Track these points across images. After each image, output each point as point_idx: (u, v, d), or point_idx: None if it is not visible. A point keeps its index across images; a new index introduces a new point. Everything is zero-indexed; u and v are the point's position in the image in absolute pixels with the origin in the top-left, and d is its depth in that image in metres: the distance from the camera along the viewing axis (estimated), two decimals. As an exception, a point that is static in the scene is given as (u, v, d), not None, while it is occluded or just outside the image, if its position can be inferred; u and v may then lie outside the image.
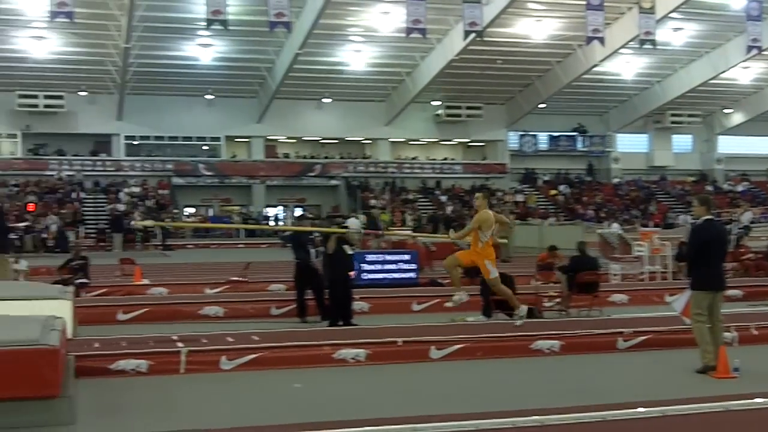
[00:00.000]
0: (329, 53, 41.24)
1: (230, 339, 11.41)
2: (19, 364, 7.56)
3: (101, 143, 46.58)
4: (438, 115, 49.53)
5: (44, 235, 35.87)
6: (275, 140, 49.33)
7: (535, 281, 18.11)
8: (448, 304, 12.96)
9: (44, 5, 30.68)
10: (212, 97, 45.74)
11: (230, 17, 31.17)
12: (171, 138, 46.64)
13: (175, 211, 44.27)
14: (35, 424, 7.61)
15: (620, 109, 52.16)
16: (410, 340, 11.34)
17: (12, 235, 34.07)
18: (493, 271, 12.60)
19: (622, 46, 39.42)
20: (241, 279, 19.50)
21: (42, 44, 38.28)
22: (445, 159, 52.42)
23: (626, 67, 45.09)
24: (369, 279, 18.32)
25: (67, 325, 9.99)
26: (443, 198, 48.16)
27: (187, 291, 18.26)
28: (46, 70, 41.02)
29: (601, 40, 35.84)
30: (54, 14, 29.18)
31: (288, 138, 49.20)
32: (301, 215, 21.24)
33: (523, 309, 12.58)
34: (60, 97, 43.50)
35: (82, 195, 43.79)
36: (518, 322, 12.40)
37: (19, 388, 7.54)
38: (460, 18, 35.12)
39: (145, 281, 19.21)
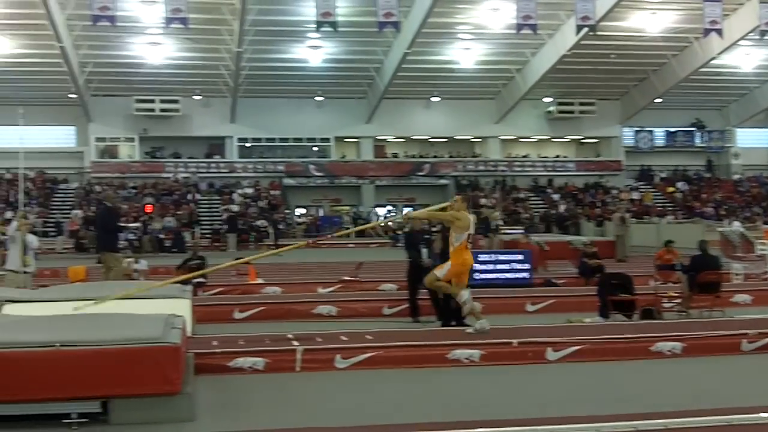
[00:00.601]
0: (438, 52, 41.08)
1: (344, 338, 11.37)
2: (142, 361, 7.70)
3: (215, 146, 47.66)
4: (549, 111, 48.81)
5: (161, 236, 36.85)
6: (384, 140, 49.52)
7: (654, 281, 17.52)
8: (469, 330, 11.89)
9: (159, 12, 31.47)
10: (322, 98, 46.20)
11: (339, 18, 31.36)
12: (282, 140, 47.41)
13: (287, 211, 44.90)
14: (156, 420, 7.72)
15: (740, 103, 50.31)
16: (526, 341, 11.05)
17: (130, 236, 35.25)
18: (441, 273, 12.12)
19: (742, 38, 38.01)
20: (353, 278, 19.53)
21: (158, 50, 39.36)
22: (557, 156, 51.58)
23: (746, 59, 43.42)
24: (481, 279, 18.03)
25: (186, 323, 10.11)
26: (555, 197, 47.40)
27: (300, 290, 18.39)
28: (162, 75, 42.20)
29: (719, 32, 34.62)
30: (169, 20, 29.89)
31: (397, 138, 49.31)
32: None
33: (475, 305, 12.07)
34: (175, 101, 44.80)
35: (197, 196, 44.83)
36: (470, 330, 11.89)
37: (141, 384, 7.68)
38: (571, 12, 34.47)
39: (260, 281, 19.44)
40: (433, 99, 47.17)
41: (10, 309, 10.55)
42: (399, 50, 38.64)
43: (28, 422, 7.59)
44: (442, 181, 48.54)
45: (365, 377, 10.00)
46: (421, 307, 14.57)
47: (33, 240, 15.08)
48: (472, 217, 12.00)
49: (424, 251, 14.30)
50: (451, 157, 49.67)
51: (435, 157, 49.51)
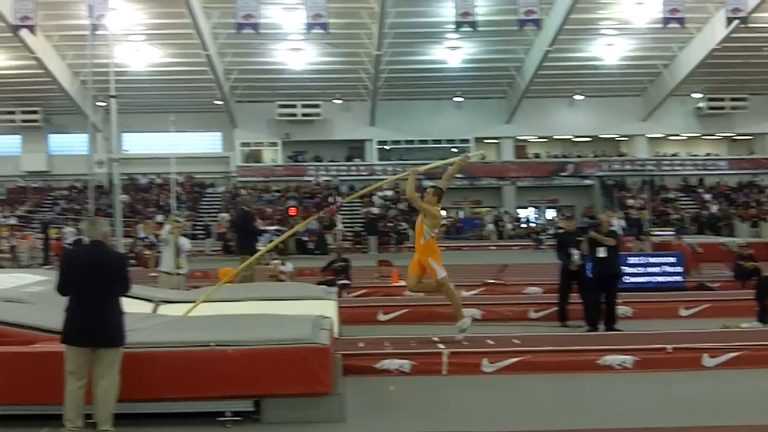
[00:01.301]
0: (580, 49, 40.24)
1: (490, 342, 11.18)
2: (293, 361, 7.79)
3: (355, 149, 48.17)
4: (699, 108, 46.94)
5: (304, 238, 37.43)
6: (525, 140, 48.82)
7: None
8: (458, 336, 11.21)
9: (301, 18, 32.00)
10: (461, 99, 46.00)
11: (479, 18, 31.12)
12: (421, 141, 47.38)
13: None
14: (307, 420, 7.80)
15: None
16: (681, 347, 10.56)
17: (275, 238, 35.93)
18: (439, 271, 11.37)
19: None
20: (497, 281, 19.24)
21: (299, 56, 40.13)
22: (708, 154, 49.51)
23: None
24: (632, 283, 17.43)
25: (333, 324, 10.15)
26: (707, 196, 45.54)
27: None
28: (303, 80, 42.95)
29: None
30: (310, 26, 30.37)
31: (538, 138, 48.55)
32: (569, 216, 20.58)
33: (466, 321, 11.26)
34: (316, 106, 45.53)
35: (339, 199, 45.30)
36: (459, 336, 11.14)
37: (292, 384, 7.78)
38: (721, 5, 33.11)
39: (403, 282, 19.38)
40: (576, 97, 46.21)
41: (165, 309, 10.86)
42: (540, 48, 38.03)
43: (184, 420, 7.78)
44: (587, 182, 47.45)
45: (512, 382, 9.83)
46: (571, 312, 14.19)
47: (185, 243, 15.48)
48: (443, 213, 11.56)
49: (576, 253, 13.90)
50: (595, 156, 48.45)
51: (578, 156, 48.43)
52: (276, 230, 37.43)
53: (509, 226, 44.60)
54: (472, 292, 18.41)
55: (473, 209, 48.13)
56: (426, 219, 11.17)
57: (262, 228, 31.85)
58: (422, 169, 11.94)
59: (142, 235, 33.08)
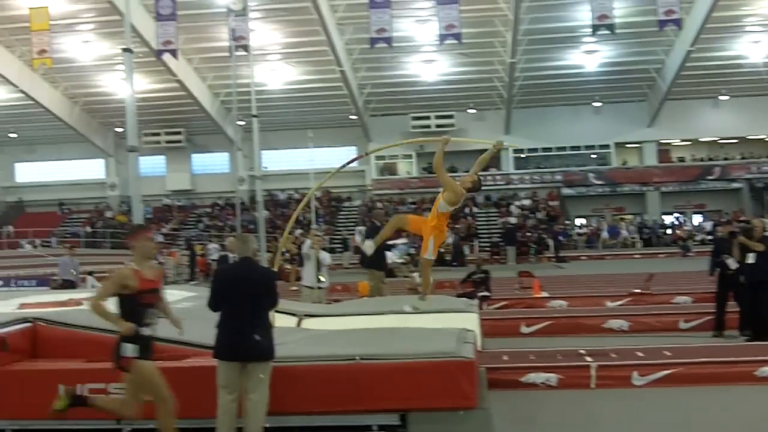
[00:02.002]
0: (724, 47, 38.71)
1: (640, 354, 10.75)
2: (438, 375, 7.66)
3: (490, 158, 47.58)
4: None
5: (441, 250, 37.33)
6: (668, 144, 47.28)
7: None
8: (406, 308, 10.54)
9: (433, 30, 31.99)
10: (599, 104, 45.01)
11: (616, 20, 30.29)
12: (559, 148, 46.59)
13: (567, 222, 44.00)
14: (454, 434, 7.66)
15: None
16: None
17: (411, 250, 35.97)
18: (430, 253, 10.45)
19: None
20: (643, 291, 18.57)
21: (432, 67, 40.19)
22: None
23: None
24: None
25: (476, 337, 9.97)
26: None
27: (587, 304, 17.73)
28: (436, 91, 42.99)
29: None
30: (443, 37, 30.25)
31: (682, 140, 46.93)
32: (726, 221, 19.68)
33: (423, 304, 10.27)
34: (450, 116, 45.46)
35: (475, 210, 45.09)
36: (407, 308, 10.34)
37: (438, 398, 7.65)
38: None
39: (545, 294, 18.99)
40: (721, 97, 44.44)
41: (308, 323, 10.93)
42: (681, 48, 36.78)
43: (331, 433, 7.78)
44: (735, 185, 45.50)
45: (665, 395, 9.44)
46: (728, 321, 13.55)
47: (326, 257, 15.62)
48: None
49: (730, 260, 13.25)
50: (743, 158, 46.40)
51: (725, 159, 46.49)
52: (408, 243, 37.65)
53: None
54: (618, 302, 17.83)
55: (615, 217, 46.86)
56: (445, 193, 10.36)
57: (392, 242, 32.12)
58: (454, 139, 11.28)
59: (282, 249, 33.69)
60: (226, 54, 28.41)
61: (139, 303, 6.95)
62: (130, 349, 6.89)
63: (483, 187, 43.50)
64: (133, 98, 8.09)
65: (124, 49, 8.09)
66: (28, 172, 51.10)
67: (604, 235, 43.26)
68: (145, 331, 6.99)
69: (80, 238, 42.48)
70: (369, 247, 10.58)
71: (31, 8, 31.58)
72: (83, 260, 24.31)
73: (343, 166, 11.39)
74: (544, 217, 43.18)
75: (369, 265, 16.20)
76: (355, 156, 10.31)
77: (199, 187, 49.46)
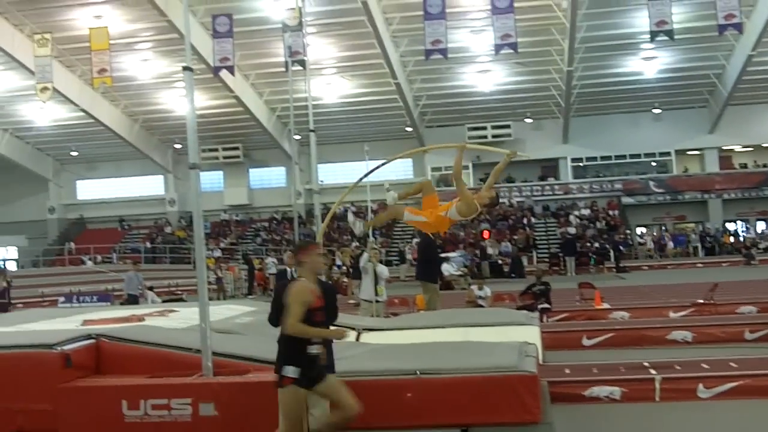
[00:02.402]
0: (787, 50, 37.84)
1: (705, 365, 10.49)
2: (500, 389, 7.57)
3: (548, 167, 47.39)
4: None
5: (499, 261, 37.10)
6: (731, 150, 46.33)
7: None
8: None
9: (489, 40, 31.87)
10: (659, 110, 44.37)
11: (675, 26, 29.81)
12: (618, 157, 45.96)
13: (627, 231, 43.37)
14: (518, 449, 7.56)
15: None
16: None
17: (468, 262, 35.89)
18: (408, 214, 10.52)
19: None
20: (707, 301, 18.19)
21: (487, 77, 40.04)
22: None
23: None
24: None
25: (538, 350, 9.86)
26: None
27: (649, 315, 17.41)
28: (492, 101, 42.82)
29: None
30: (498, 47, 30.06)
31: (744, 147, 45.96)
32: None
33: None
34: (507, 126, 45.23)
35: (533, 220, 44.75)
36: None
37: (500, 413, 7.56)
38: None
39: (606, 305, 18.70)
40: (783, 102, 43.48)
41: (367, 337, 10.90)
42: (743, 53, 36.08)
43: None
44: (800, 192, 44.42)
45: (732, 408, 9.20)
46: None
47: (384, 270, 15.61)
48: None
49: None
50: (808, 164, 45.36)
51: (790, 165, 45.44)
52: (464, 255, 37.57)
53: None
54: (681, 313, 17.49)
55: (677, 225, 46.08)
56: (459, 203, 10.19)
57: (445, 255, 32.10)
58: (472, 146, 11.07)
59: (339, 262, 33.83)
60: (282, 69, 28.61)
61: (311, 321, 6.69)
62: (291, 371, 6.67)
63: (541, 197, 43.39)
64: (193, 116, 8.12)
65: (185, 68, 8.12)
66: (89, 189, 52.09)
67: (670, 245, 42.55)
68: (313, 350, 6.71)
69: (140, 254, 43.15)
70: (358, 227, 10.64)
71: (91, 28, 32.18)
72: (144, 275, 24.65)
73: (360, 180, 11.42)
74: (604, 226, 42.66)
75: (422, 278, 16.13)
76: (371, 168, 10.32)
77: (257, 202, 49.92)
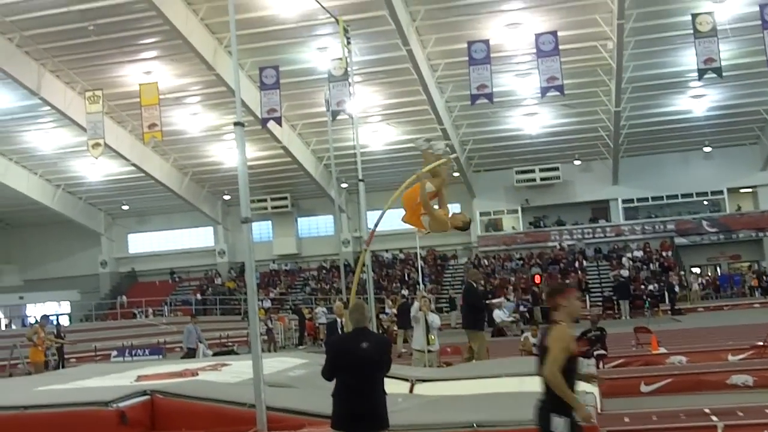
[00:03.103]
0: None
1: (768, 411, 10.20)
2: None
3: (598, 209, 46.94)
4: None
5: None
6: (786, 186, 45.48)
7: None
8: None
9: (534, 83, 31.83)
10: (709, 149, 43.77)
11: (723, 63, 29.50)
12: (669, 197, 45.27)
13: (681, 272, 42.62)
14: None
15: None
16: None
17: (522, 308, 35.54)
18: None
19: None
20: (766, 343, 17.71)
21: (534, 120, 39.89)
22: None
23: None
24: None
25: (596, 399, 9.63)
26: None
27: (708, 359, 17.00)
28: (539, 144, 42.64)
29: None
30: (544, 90, 29.95)
31: (800, 182, 45.09)
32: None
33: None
34: (555, 169, 44.93)
35: (585, 263, 44.23)
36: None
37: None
38: None
39: (663, 350, 18.31)
40: (837, 136, 42.65)
41: (421, 388, 10.75)
42: (794, 87, 35.57)
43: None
44: None
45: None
46: None
47: (435, 319, 15.48)
48: None
49: None
50: None
51: None
52: (516, 301, 37.19)
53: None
54: (740, 356, 17.06)
55: (731, 265, 45.18)
56: (432, 222, 10.57)
57: (490, 301, 31.78)
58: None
59: (389, 310, 33.69)
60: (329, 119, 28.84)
61: (570, 369, 6.26)
62: (561, 425, 6.15)
63: (593, 240, 42.75)
64: (245, 171, 8.17)
65: (236, 123, 8.19)
66: (141, 243, 52.71)
67: (725, 286, 41.71)
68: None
69: (191, 306, 43.46)
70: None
71: (141, 84, 32.78)
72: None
73: (375, 226, 11.36)
74: (658, 268, 42.02)
75: (467, 327, 15.96)
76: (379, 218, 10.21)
77: (305, 251, 50.08)
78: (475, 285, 17.24)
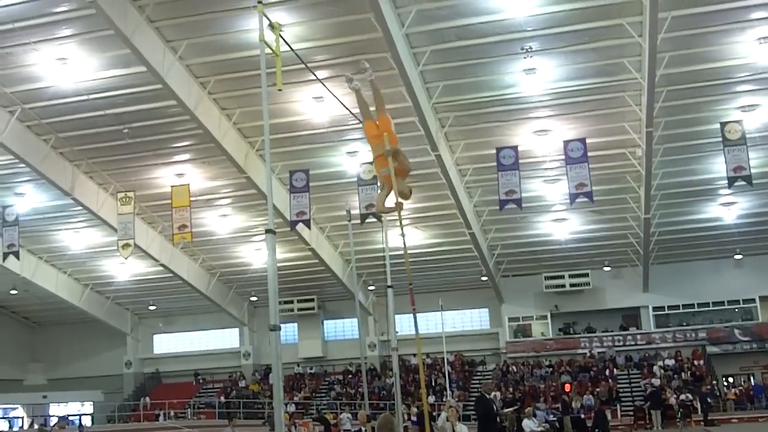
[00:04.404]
0: None
1: None
2: None
3: (629, 316, 46.28)
4: None
5: (582, 415, 35.73)
6: (821, 294, 44.64)
7: None
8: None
9: (563, 189, 31.81)
10: (741, 256, 43.25)
11: (753, 171, 29.37)
12: (700, 304, 44.53)
13: (714, 382, 41.59)
14: None
15: None
16: None
17: (551, 417, 34.68)
18: None
19: None
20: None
21: (563, 226, 39.73)
22: None
23: None
24: None
25: None
26: None
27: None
28: (569, 250, 42.34)
29: None
30: (573, 197, 29.90)
31: (832, 293, 44.27)
32: None
33: None
34: (585, 275, 44.52)
35: (615, 371, 43.35)
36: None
37: None
38: None
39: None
40: None
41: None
42: (823, 195, 35.26)
43: None
44: None
45: None
46: None
47: (463, 429, 15.04)
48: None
49: None
50: None
51: None
52: (547, 409, 36.29)
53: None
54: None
55: (765, 374, 44.06)
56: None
57: (506, 410, 30.97)
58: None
59: (414, 418, 32.96)
60: (357, 221, 28.84)
61: None
62: None
63: (623, 348, 42.10)
64: (275, 278, 8.02)
65: (267, 230, 8.09)
66: (166, 343, 52.49)
67: (759, 396, 40.62)
68: None
69: (214, 409, 42.87)
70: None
71: (173, 186, 33.13)
72: (217, 431, 24.30)
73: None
74: (689, 377, 41.04)
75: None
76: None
77: (331, 354, 49.50)
78: (487, 396, 16.76)
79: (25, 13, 23.73)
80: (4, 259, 35.13)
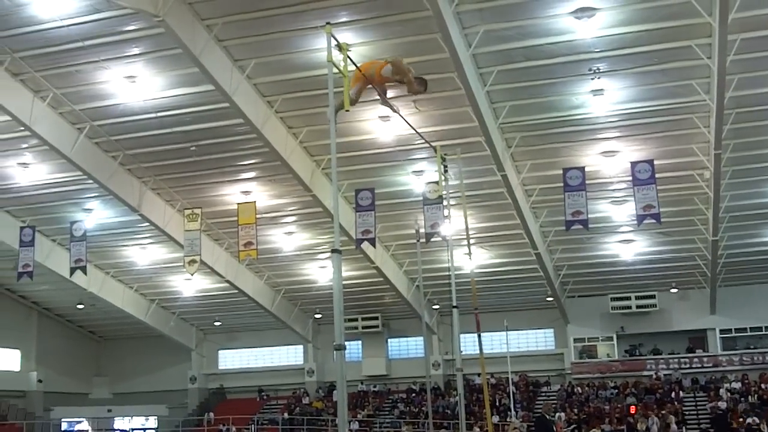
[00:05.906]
0: None
1: None
2: None
3: (696, 339, 45.50)
4: None
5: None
6: None
7: None
8: None
9: (630, 210, 31.46)
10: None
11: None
12: (768, 328, 43.74)
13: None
14: None
15: None
16: None
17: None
18: None
19: None
20: None
21: (630, 247, 39.24)
22: None
23: None
24: None
25: None
26: None
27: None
28: (635, 271, 41.82)
29: None
30: (641, 218, 29.53)
31: None
32: None
33: None
34: (651, 297, 44.00)
35: (681, 394, 42.61)
36: None
37: None
38: None
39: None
40: None
41: None
42: None
43: None
44: None
45: None
46: None
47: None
48: None
49: None
50: None
51: None
52: (615, 429, 35.77)
53: None
54: None
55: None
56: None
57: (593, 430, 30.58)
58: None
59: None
60: (422, 240, 28.85)
61: None
62: None
63: (689, 370, 41.44)
64: (341, 298, 8.14)
65: (333, 251, 8.23)
66: (230, 359, 53.04)
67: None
68: None
69: (278, 426, 43.14)
70: None
71: (239, 204, 33.50)
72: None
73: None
74: (756, 401, 40.10)
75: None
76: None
77: (394, 372, 49.49)
78: (547, 417, 16.65)
79: (95, 31, 24.17)
80: (71, 274, 35.74)
